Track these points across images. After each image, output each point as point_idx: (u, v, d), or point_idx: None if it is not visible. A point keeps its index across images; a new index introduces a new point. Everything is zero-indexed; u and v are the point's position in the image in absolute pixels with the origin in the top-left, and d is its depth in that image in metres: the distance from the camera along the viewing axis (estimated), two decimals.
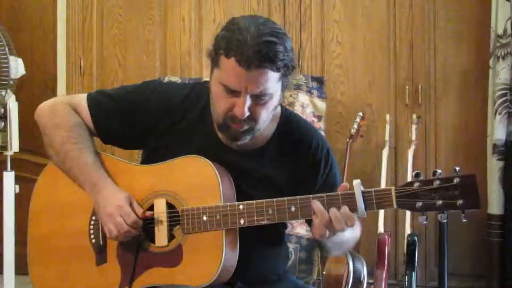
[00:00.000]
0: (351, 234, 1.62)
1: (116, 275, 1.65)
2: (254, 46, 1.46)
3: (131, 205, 1.61)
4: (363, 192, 1.46)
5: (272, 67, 1.49)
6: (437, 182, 1.41)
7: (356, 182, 1.47)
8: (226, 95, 1.54)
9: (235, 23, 1.53)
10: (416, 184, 1.43)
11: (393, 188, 1.45)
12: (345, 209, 1.46)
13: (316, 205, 1.48)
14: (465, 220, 1.40)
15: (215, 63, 1.55)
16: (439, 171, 1.43)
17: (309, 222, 1.72)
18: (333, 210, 1.47)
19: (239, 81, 1.50)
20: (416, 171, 1.45)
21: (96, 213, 1.66)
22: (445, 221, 1.43)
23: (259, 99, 1.53)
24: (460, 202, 1.40)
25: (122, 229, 1.59)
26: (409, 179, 2.98)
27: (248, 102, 1.52)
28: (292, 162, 1.68)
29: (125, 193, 1.63)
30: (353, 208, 1.46)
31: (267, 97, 1.54)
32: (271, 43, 1.48)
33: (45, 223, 1.75)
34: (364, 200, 1.45)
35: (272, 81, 1.51)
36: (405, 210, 1.48)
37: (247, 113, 1.53)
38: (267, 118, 1.60)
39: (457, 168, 1.42)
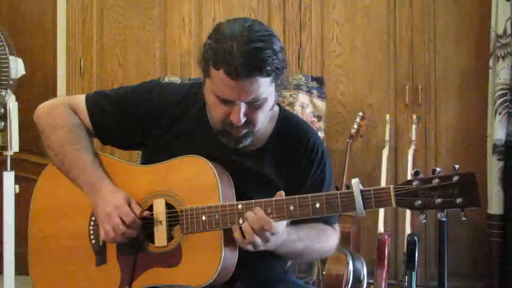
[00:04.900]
0: (310, 243, 1.62)
1: (115, 276, 1.64)
2: (242, 56, 1.44)
3: (129, 205, 1.61)
4: (361, 191, 1.45)
5: (262, 74, 1.48)
6: (436, 180, 1.40)
7: (355, 181, 1.46)
8: (220, 104, 1.54)
9: (220, 31, 1.51)
10: (415, 183, 1.42)
11: (392, 186, 1.44)
12: (259, 211, 1.49)
13: (257, 209, 1.49)
14: (464, 219, 1.39)
15: (206, 73, 1.54)
16: (438, 169, 1.41)
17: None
18: (250, 213, 1.49)
19: (230, 91, 1.50)
20: (415, 169, 1.43)
21: (94, 214, 1.66)
22: (444, 219, 1.41)
23: (253, 104, 1.53)
24: (459, 200, 1.38)
25: (119, 231, 1.58)
26: (409, 179, 3.00)
27: (243, 108, 1.52)
28: (289, 161, 1.68)
29: (123, 192, 1.63)
30: (352, 207, 1.46)
31: (261, 101, 1.54)
32: (259, 49, 1.46)
33: (45, 223, 1.74)
34: (362, 199, 1.45)
35: (264, 86, 1.51)
36: (404, 208, 1.47)
37: (243, 120, 1.53)
38: (264, 119, 1.60)
39: (457, 166, 1.40)
